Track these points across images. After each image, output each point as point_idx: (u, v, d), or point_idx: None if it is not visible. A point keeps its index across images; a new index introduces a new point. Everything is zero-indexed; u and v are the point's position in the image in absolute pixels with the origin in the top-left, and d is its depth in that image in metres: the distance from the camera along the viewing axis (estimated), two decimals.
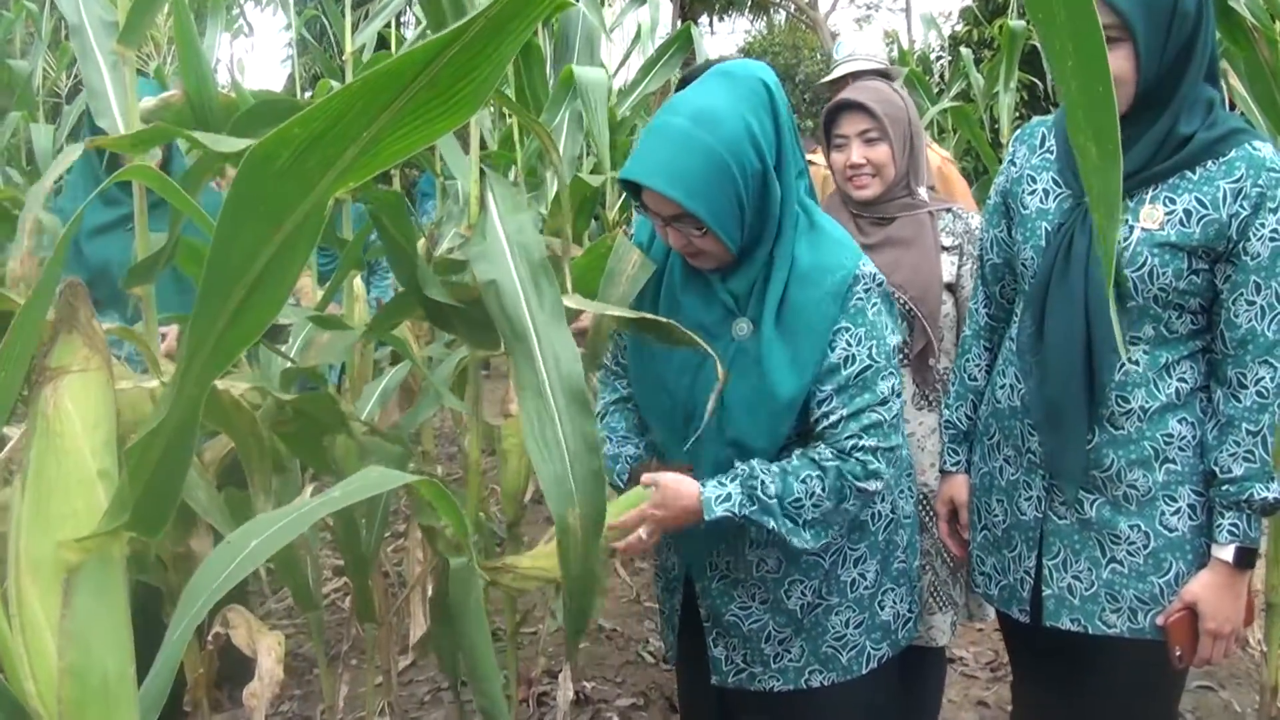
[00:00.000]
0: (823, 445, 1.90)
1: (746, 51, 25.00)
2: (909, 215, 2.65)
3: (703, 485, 1.89)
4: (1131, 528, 1.96)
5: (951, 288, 2.65)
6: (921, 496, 2.56)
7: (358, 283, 3.09)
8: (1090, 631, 2.00)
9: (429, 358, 3.22)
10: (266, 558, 0.99)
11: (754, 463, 1.90)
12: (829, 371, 1.89)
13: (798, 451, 1.92)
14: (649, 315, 1.84)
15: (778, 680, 2.06)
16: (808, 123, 13.02)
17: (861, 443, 1.88)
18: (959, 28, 10.30)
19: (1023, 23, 4.64)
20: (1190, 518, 1.94)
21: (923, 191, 2.72)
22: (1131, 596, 1.97)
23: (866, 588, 2.06)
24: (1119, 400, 1.94)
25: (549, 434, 1.69)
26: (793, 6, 15.92)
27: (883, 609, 2.09)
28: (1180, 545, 1.95)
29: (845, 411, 1.88)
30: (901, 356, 2.55)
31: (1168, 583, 1.95)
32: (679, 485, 1.89)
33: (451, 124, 0.75)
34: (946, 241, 2.66)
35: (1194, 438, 1.94)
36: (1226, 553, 1.89)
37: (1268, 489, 1.87)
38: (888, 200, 2.65)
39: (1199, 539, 1.95)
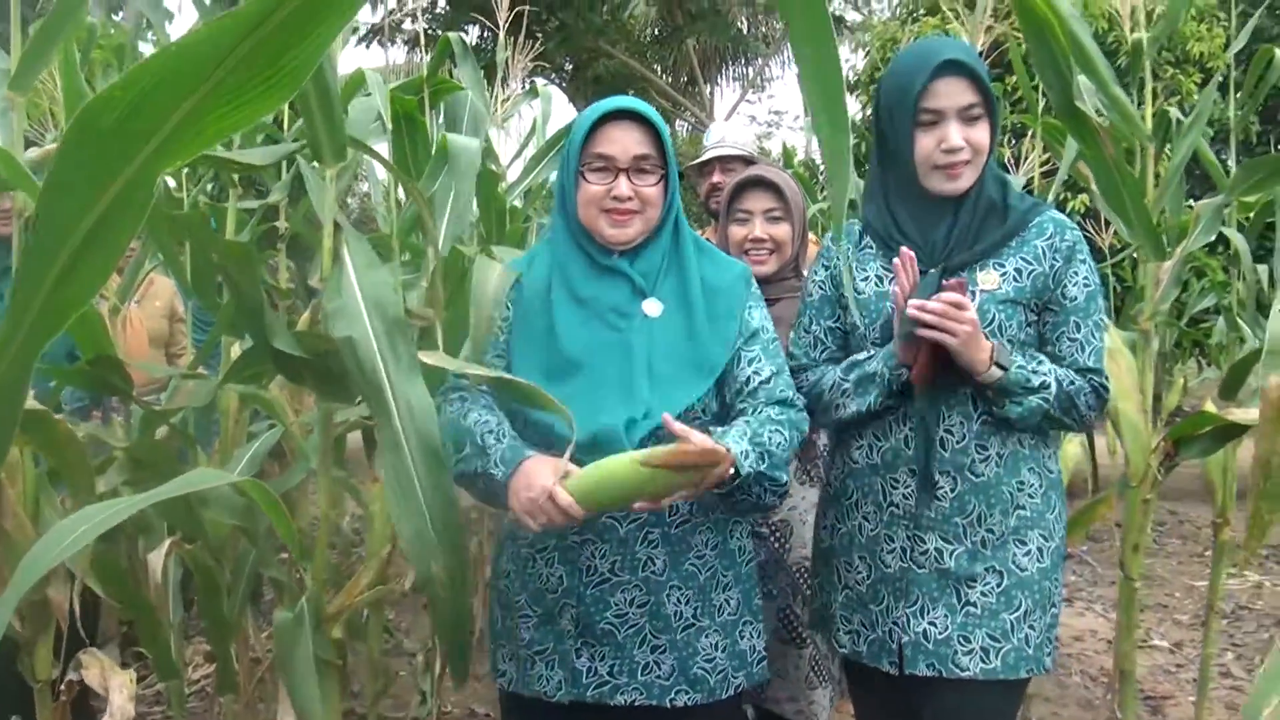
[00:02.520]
0: (759, 403, 2.08)
1: None
2: (792, 297, 2.73)
3: (719, 441, 1.91)
4: (986, 569, 2.09)
5: None
6: (801, 569, 2.61)
7: (235, 348, 3.09)
8: (944, 675, 2.07)
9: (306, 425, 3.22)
10: (92, 539, 1.01)
11: (736, 424, 2.01)
12: (752, 336, 2.12)
13: (743, 419, 2.04)
14: (510, 377, 1.91)
15: (641, 694, 2.04)
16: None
17: (790, 393, 2.12)
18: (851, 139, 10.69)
19: None
20: (1039, 560, 2.09)
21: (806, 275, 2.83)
22: (983, 635, 2.07)
23: (731, 614, 2.11)
24: (978, 449, 2.09)
25: (407, 488, 1.73)
26: (693, 119, 16.36)
27: (742, 638, 2.13)
28: (1029, 584, 2.08)
29: (773, 369, 2.11)
30: None
31: (1017, 619, 2.07)
32: (714, 443, 1.90)
33: (272, 103, 0.80)
34: None
35: (1040, 485, 2.12)
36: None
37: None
38: (777, 280, 2.75)
39: (1045, 580, 2.10)
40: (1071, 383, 2.08)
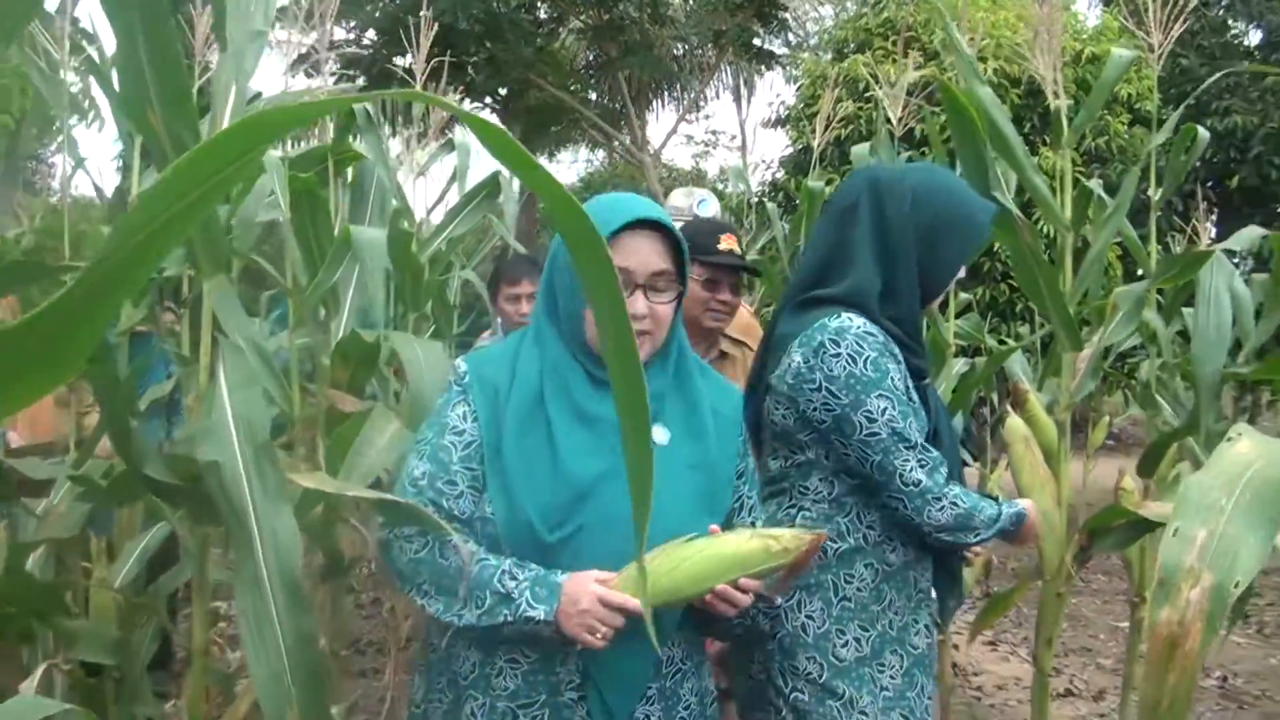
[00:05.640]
0: None
1: (587, 182, 25.53)
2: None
3: None
4: None
5: None
6: None
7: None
8: None
9: None
10: None
11: None
12: (752, 479, 2.02)
13: None
14: (389, 497, 1.77)
15: None
16: None
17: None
18: (780, 176, 10.69)
19: (821, 184, 4.85)
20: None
21: None
22: None
23: None
24: None
25: (266, 630, 1.63)
26: (619, 148, 16.33)
27: None
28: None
29: (764, 515, 2.06)
30: None
31: None
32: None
33: (52, 383, 0.73)
34: None
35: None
36: None
37: None
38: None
39: None
40: None
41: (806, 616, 2.16)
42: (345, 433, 2.26)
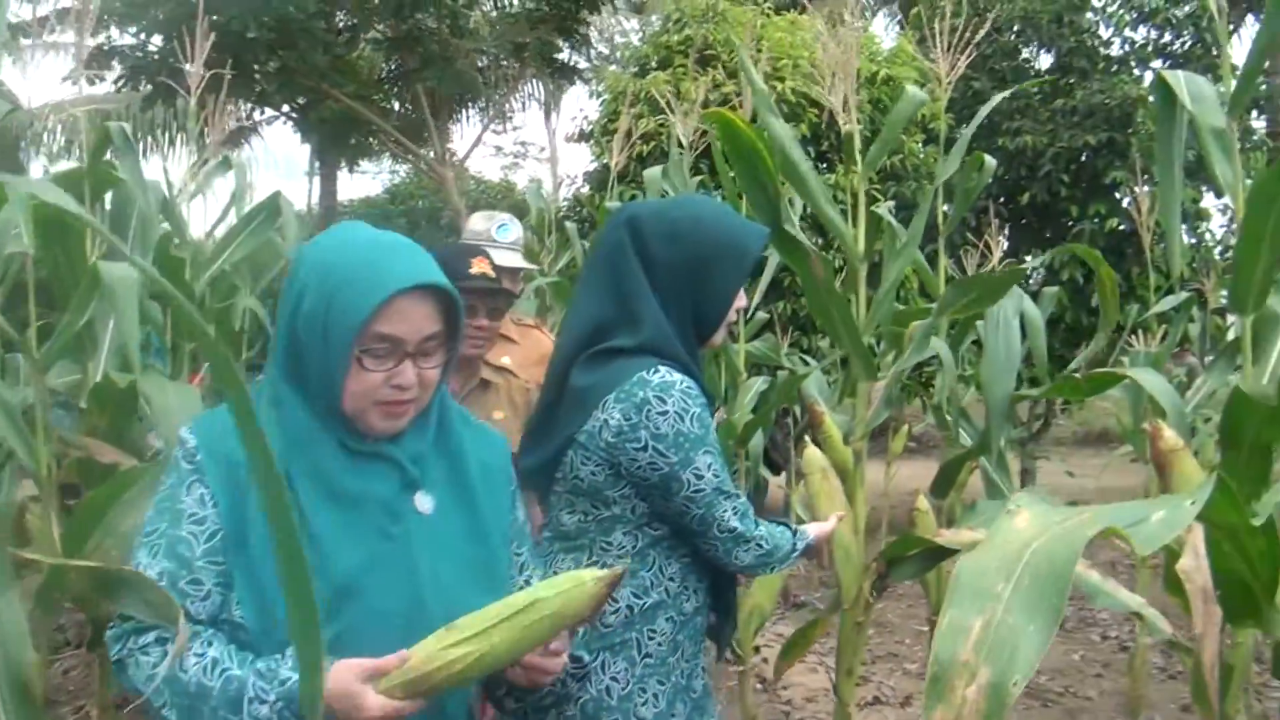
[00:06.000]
0: None
1: (392, 193, 24.92)
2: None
3: None
4: None
5: None
6: None
7: None
8: None
9: None
10: None
11: None
12: (522, 533, 1.85)
13: None
14: (131, 570, 1.53)
15: None
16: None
17: None
18: (584, 191, 10.58)
19: (618, 203, 4.79)
20: None
21: None
22: None
23: None
24: None
25: None
26: (422, 164, 16.00)
27: None
28: None
29: (541, 574, 1.83)
30: None
31: None
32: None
33: None
34: None
35: None
36: None
37: None
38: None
39: None
40: None
41: (611, 679, 2.10)
42: (101, 496, 2.04)
